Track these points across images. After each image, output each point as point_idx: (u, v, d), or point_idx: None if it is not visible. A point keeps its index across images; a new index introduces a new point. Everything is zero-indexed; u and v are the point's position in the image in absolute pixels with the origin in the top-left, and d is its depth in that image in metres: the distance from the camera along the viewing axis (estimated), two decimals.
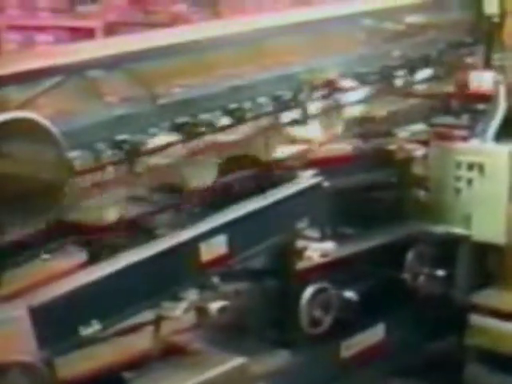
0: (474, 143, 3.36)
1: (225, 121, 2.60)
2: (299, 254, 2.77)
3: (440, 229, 3.28)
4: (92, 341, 2.17)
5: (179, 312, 2.33)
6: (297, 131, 2.93)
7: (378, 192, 3.31)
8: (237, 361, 2.47)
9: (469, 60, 3.60)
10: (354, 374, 3.02)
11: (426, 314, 3.24)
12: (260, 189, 2.68)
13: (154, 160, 2.43)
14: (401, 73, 3.22)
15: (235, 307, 2.57)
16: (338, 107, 3.03)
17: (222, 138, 2.65)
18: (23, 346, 2.01)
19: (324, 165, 2.89)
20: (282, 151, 2.86)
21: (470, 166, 3.28)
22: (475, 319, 3.21)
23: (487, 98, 3.48)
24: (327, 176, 2.78)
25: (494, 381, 3.21)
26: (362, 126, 3.21)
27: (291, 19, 3.08)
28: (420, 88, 3.41)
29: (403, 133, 3.31)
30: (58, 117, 2.20)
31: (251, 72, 2.76)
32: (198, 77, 2.64)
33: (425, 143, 3.35)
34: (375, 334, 3.08)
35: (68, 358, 2.16)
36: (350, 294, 2.96)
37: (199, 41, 2.67)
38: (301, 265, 2.81)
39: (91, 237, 2.34)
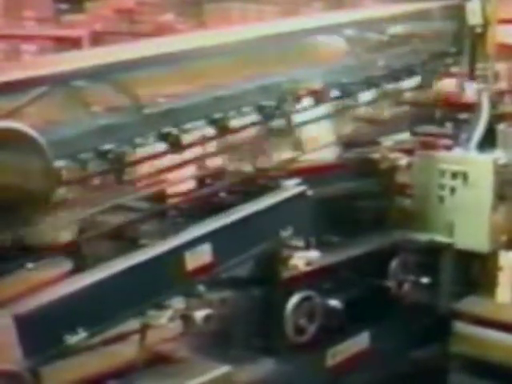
0: (458, 152, 3.39)
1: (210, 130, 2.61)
2: (284, 262, 2.78)
3: (424, 237, 3.31)
4: (78, 350, 2.17)
5: (164, 320, 2.34)
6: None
7: (363, 201, 3.32)
8: (222, 369, 2.48)
9: (452, 70, 3.63)
10: (340, 382, 3.03)
11: (410, 322, 3.26)
12: (244, 198, 2.69)
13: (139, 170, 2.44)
14: (385, 82, 3.24)
15: (220, 315, 2.58)
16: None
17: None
18: (8, 355, 2.01)
19: (308, 174, 2.91)
20: (267, 160, 2.89)
21: (454, 175, 3.30)
22: (459, 327, 3.23)
23: (471, 108, 3.51)
24: (311, 185, 2.80)
25: None
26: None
27: (276, 29, 3.11)
28: (404, 97, 3.44)
29: (387, 142, 3.34)
30: (44, 126, 2.21)
31: (236, 82, 2.77)
32: (183, 87, 2.65)
33: (409, 152, 3.38)
34: (360, 341, 3.09)
35: (54, 367, 2.16)
36: (334, 302, 2.97)
37: (184, 51, 2.69)
38: (286, 273, 2.82)
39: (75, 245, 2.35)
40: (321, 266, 2.90)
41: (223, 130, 2.62)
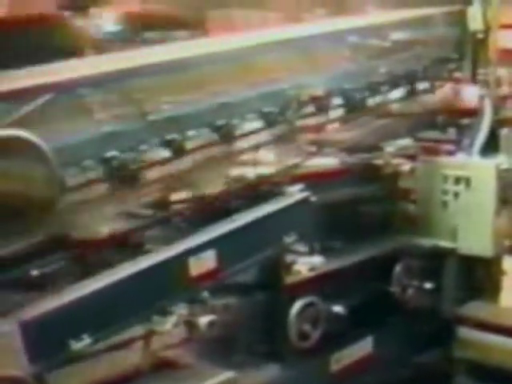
0: (461, 157, 3.39)
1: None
2: (288, 268, 2.79)
3: (427, 242, 3.31)
4: (83, 356, 2.17)
5: (169, 326, 2.34)
6: None
7: (366, 206, 3.33)
8: (226, 375, 2.48)
9: (455, 75, 3.64)
10: None
11: (413, 327, 3.27)
12: (248, 203, 2.70)
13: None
14: (387, 88, 3.25)
15: (224, 321, 2.58)
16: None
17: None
18: (14, 361, 2.02)
19: (312, 179, 2.92)
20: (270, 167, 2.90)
21: (457, 180, 3.31)
22: (462, 332, 3.23)
23: (473, 113, 3.52)
24: (315, 190, 2.81)
25: None
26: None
27: (279, 37, 3.12)
28: (405, 104, 3.45)
29: (390, 147, 3.35)
30: (48, 134, 2.22)
31: (239, 89, 2.79)
32: (187, 93, 2.67)
33: (412, 157, 3.39)
34: (364, 346, 3.10)
35: (59, 373, 2.17)
36: (338, 308, 2.98)
37: (188, 58, 2.70)
38: (289, 279, 2.82)
39: (81, 252, 2.36)
40: (324, 272, 2.91)
41: (227, 136, 2.64)
